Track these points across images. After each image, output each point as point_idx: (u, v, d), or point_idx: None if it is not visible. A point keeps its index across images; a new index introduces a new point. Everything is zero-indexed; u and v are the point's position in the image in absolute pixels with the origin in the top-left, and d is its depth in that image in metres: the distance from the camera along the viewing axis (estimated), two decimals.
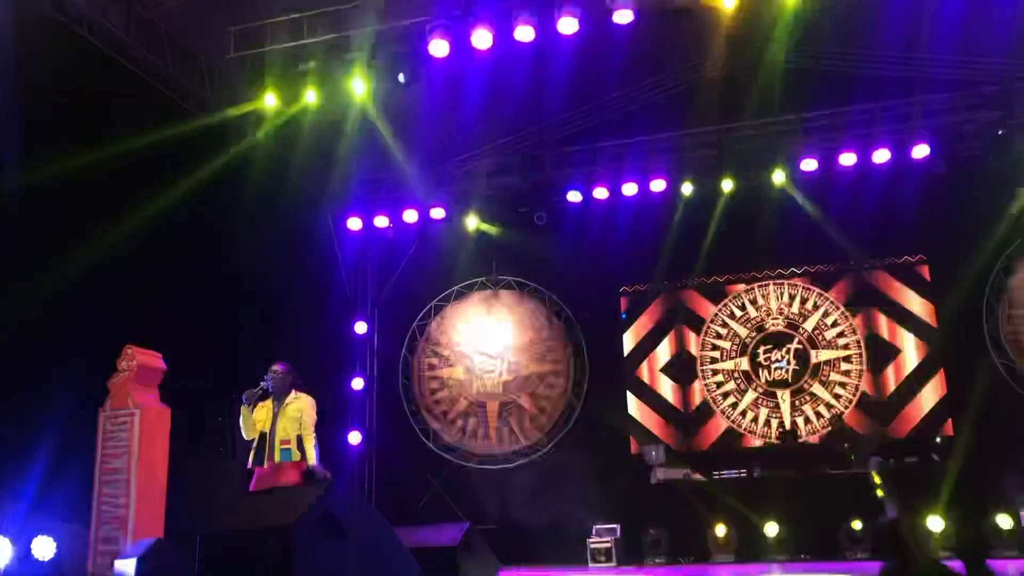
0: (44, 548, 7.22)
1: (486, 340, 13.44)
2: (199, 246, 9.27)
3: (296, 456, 6.69)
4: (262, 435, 6.81)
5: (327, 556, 3.44)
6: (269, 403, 6.90)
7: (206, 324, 9.59)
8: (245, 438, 6.95)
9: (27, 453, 7.39)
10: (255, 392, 6.92)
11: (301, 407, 6.82)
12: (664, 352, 12.94)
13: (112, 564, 7.22)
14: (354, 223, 12.36)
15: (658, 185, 11.54)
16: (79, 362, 7.77)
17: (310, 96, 9.40)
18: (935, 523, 9.06)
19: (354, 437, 13.11)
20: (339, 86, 9.50)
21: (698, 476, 10.81)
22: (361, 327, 13.50)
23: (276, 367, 6.93)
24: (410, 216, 12.19)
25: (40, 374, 7.59)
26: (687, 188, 11.51)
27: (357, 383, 13.32)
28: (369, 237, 13.19)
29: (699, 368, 12.75)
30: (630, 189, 11.61)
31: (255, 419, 6.88)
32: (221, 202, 9.58)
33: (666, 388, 12.81)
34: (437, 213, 12.13)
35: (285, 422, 6.78)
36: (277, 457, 6.72)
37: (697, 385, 12.71)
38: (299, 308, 11.27)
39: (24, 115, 7.34)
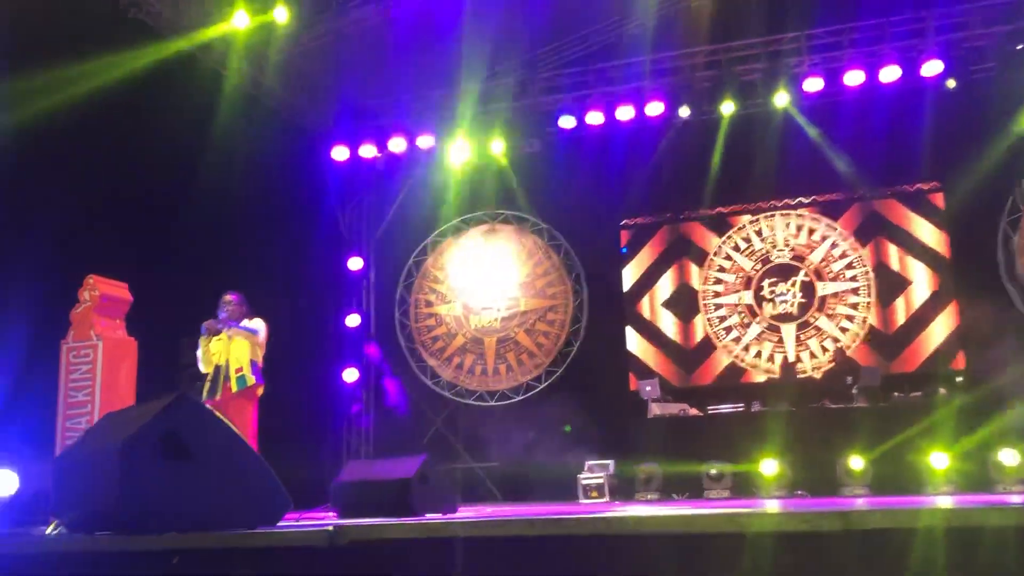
0: (6, 482, 7.04)
1: (483, 276, 13.10)
2: (169, 175, 8.94)
3: (250, 381, 6.46)
4: (216, 367, 6.59)
5: (168, 478, 3.13)
6: (224, 335, 6.66)
7: (182, 257, 9.31)
8: (202, 371, 6.73)
9: None
10: (214, 323, 6.69)
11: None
12: (666, 286, 12.54)
13: None
14: (340, 153, 11.92)
15: (655, 108, 10.97)
16: (39, 292, 7.51)
17: (280, 14, 8.94)
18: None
19: (350, 375, 12.89)
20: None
21: (694, 411, 10.49)
22: (356, 263, 13.18)
23: (229, 297, 6.69)
24: (397, 145, 11.71)
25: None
26: (684, 111, 10.94)
27: (352, 320, 13.06)
28: (356, 168, 12.76)
29: (701, 302, 12.35)
30: (626, 112, 11.05)
31: (211, 352, 6.66)
32: (194, 127, 9.23)
33: (667, 323, 12.44)
34: (425, 142, 11.66)
35: (238, 350, 6.53)
36: (234, 387, 6.51)
37: (699, 320, 12.32)
38: (283, 241, 10.95)
39: None
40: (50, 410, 7.73)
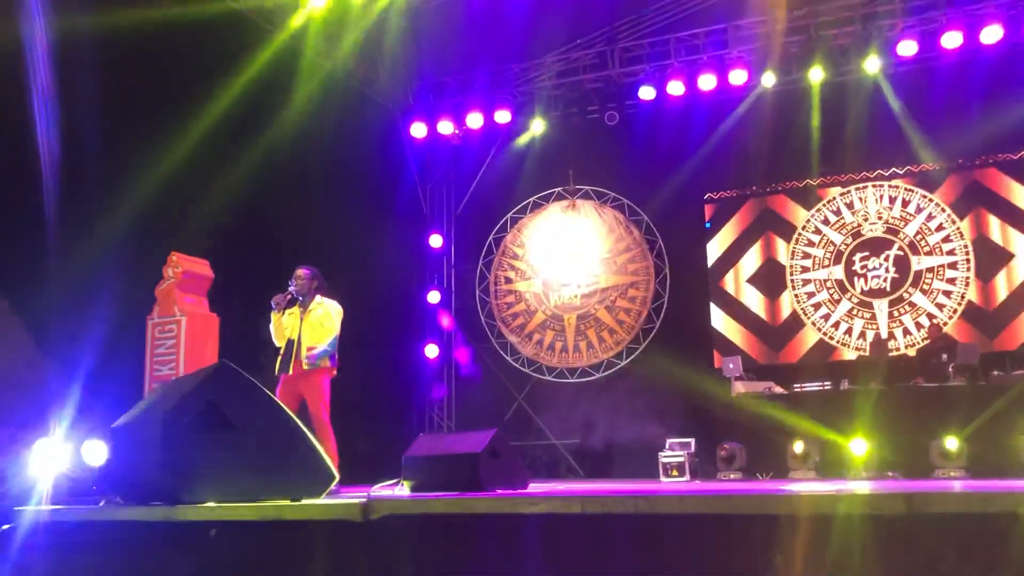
0: (96, 453, 7.27)
1: (563, 252, 12.96)
2: (249, 153, 9.05)
3: (323, 363, 6.49)
4: (289, 342, 6.63)
5: (209, 449, 3.13)
6: (297, 309, 6.71)
7: (263, 233, 9.45)
8: (275, 344, 6.79)
9: (78, 362, 7.42)
10: (284, 297, 6.73)
11: (326, 314, 6.60)
12: (751, 262, 12.17)
13: None
14: (418, 130, 11.91)
15: (738, 77, 10.58)
16: (126, 269, 7.72)
17: None
18: None
19: (431, 350, 12.96)
20: None
21: (779, 389, 10.16)
22: (436, 240, 13.22)
23: (300, 271, 6.71)
24: (475, 120, 11.62)
25: (87, 280, 7.56)
26: (769, 79, 10.51)
27: (433, 297, 13.11)
28: (435, 144, 12.74)
29: (789, 278, 11.95)
30: (708, 82, 10.68)
31: (284, 326, 6.70)
32: (274, 105, 9.34)
33: (753, 300, 12.08)
34: (503, 117, 11.54)
35: (310, 328, 6.56)
36: (304, 365, 6.53)
37: (786, 296, 11.93)
38: (364, 218, 11.00)
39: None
40: (137, 383, 7.95)
